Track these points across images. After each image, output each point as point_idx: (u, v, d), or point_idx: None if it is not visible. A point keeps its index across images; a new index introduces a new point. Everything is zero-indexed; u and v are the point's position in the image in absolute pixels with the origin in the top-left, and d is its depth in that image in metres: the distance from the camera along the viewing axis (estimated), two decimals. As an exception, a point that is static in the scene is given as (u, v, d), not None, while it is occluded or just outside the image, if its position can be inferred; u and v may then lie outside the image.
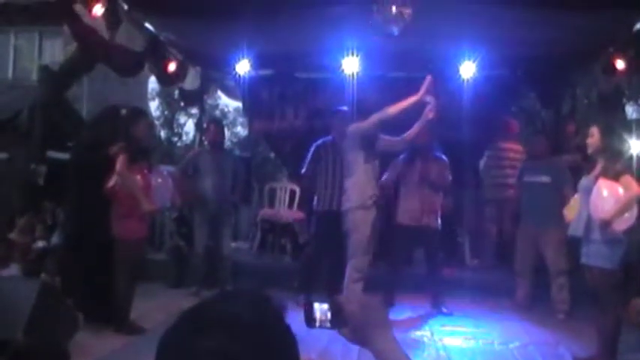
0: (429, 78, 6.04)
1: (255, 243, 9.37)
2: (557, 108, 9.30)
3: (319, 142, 7.18)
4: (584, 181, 5.22)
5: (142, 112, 6.37)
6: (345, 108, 7.14)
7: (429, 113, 6.12)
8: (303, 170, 7.31)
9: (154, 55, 7.83)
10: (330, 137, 7.11)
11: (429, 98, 6.02)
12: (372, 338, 1.35)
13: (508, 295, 7.27)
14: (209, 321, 1.08)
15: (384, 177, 6.89)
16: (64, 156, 9.99)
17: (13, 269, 6.84)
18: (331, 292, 6.75)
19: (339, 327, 1.38)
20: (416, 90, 6.05)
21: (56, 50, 13.32)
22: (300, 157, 7.54)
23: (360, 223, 6.20)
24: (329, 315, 1.38)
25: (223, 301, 1.16)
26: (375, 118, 6.10)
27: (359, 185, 6.25)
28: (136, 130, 5.75)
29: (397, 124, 6.29)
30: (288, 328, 1.15)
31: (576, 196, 5.38)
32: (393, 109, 6.00)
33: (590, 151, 5.30)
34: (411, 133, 6.38)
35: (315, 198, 7.16)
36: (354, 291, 5.96)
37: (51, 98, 8.46)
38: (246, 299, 1.15)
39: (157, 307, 6.55)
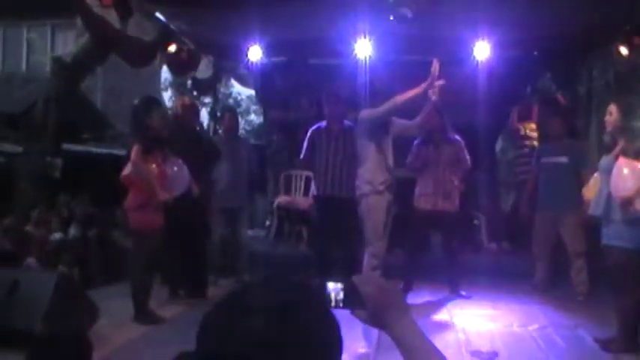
0: (435, 62, 5.96)
1: (272, 231, 9.38)
2: (574, 88, 9.19)
3: (314, 127, 7.20)
4: (603, 161, 5.16)
5: (155, 101, 6.35)
6: (338, 91, 7.14)
7: (432, 95, 6.06)
8: (301, 156, 7.40)
9: (166, 45, 7.81)
10: (324, 122, 7.11)
11: (438, 83, 5.93)
12: (390, 321, 1.34)
13: (526, 278, 7.23)
14: (252, 304, 1.08)
15: (408, 160, 6.91)
16: (80, 148, 10.06)
17: (31, 262, 6.87)
18: (342, 275, 6.77)
19: (352, 307, 1.36)
20: (428, 73, 5.99)
21: (69, 43, 13.33)
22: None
23: (373, 209, 6.23)
24: (342, 294, 1.36)
25: (266, 285, 1.15)
26: (384, 107, 6.12)
27: (370, 171, 6.28)
28: (149, 119, 5.74)
29: (407, 108, 6.26)
30: (330, 313, 1.15)
31: (596, 175, 5.32)
32: (402, 98, 6.01)
33: (609, 129, 5.24)
34: (420, 117, 6.40)
35: (313, 183, 7.24)
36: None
37: (64, 90, 8.47)
38: (289, 284, 1.16)
39: (176, 297, 6.57)
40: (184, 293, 6.63)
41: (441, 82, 5.93)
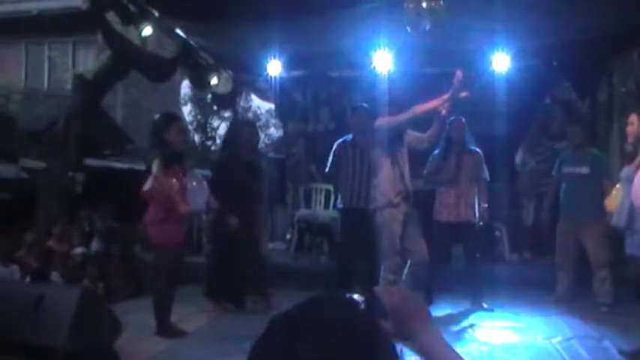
0: (458, 73, 5.83)
1: (293, 244, 9.40)
2: (594, 97, 9.13)
3: (340, 140, 7.22)
4: (625, 171, 5.14)
5: (174, 116, 6.41)
6: (364, 105, 7.11)
7: (442, 110, 5.87)
8: (327, 170, 7.39)
9: (186, 60, 7.89)
10: (350, 135, 7.13)
11: (463, 94, 5.80)
12: (414, 332, 1.32)
13: (549, 289, 7.16)
14: (305, 326, 1.06)
15: (427, 171, 6.88)
16: (101, 163, 10.15)
17: (55, 277, 6.93)
18: (366, 287, 6.76)
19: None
20: (448, 85, 5.97)
21: (90, 59, 13.49)
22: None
23: (387, 223, 5.99)
24: (364, 305, 1.34)
25: (316, 305, 1.13)
26: (403, 116, 5.92)
27: (385, 183, 6.06)
28: (168, 134, 5.79)
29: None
30: (382, 332, 1.13)
31: (618, 186, 5.28)
32: (422, 108, 5.84)
33: (630, 139, 5.21)
34: (432, 132, 6.17)
35: (339, 196, 7.22)
36: None
37: (86, 106, 8.57)
38: (339, 303, 1.14)
39: (197, 311, 6.58)
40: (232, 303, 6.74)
41: (465, 94, 5.78)
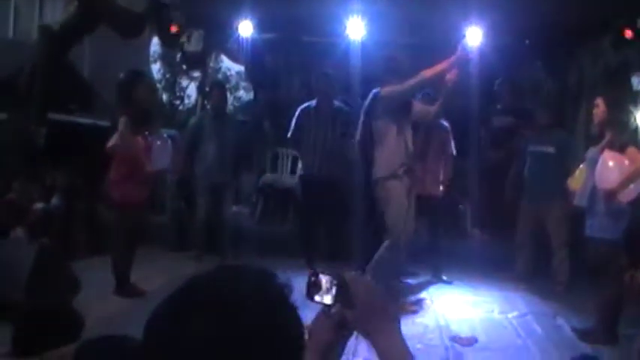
0: (463, 40, 5.69)
1: (258, 209, 9.36)
2: (564, 79, 9.19)
3: (303, 106, 7.17)
4: (590, 152, 5.19)
5: (142, 75, 6.29)
6: (329, 71, 7.05)
7: (449, 82, 5.58)
8: (289, 135, 7.32)
9: (156, 16, 7.72)
10: (314, 101, 7.10)
11: (468, 56, 5.60)
12: (376, 330, 1.29)
13: (508, 266, 7.26)
14: (203, 301, 1.01)
15: None
16: (65, 118, 9.94)
17: (19, 232, 6.80)
18: (327, 256, 6.80)
19: (341, 305, 1.31)
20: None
21: (57, 10, 13.13)
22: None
23: (392, 195, 5.64)
24: (333, 290, 1.31)
25: (220, 277, 1.07)
26: (410, 83, 5.52)
27: (389, 153, 5.68)
28: (135, 92, 5.69)
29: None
30: (293, 311, 1.07)
31: (582, 166, 5.34)
32: (429, 73, 5.49)
33: (595, 122, 5.25)
34: (439, 103, 5.92)
35: (300, 163, 7.20)
36: (385, 267, 5.51)
37: (51, 58, 8.36)
38: (247, 276, 1.07)
39: (158, 271, 6.54)
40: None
41: (470, 56, 5.58)
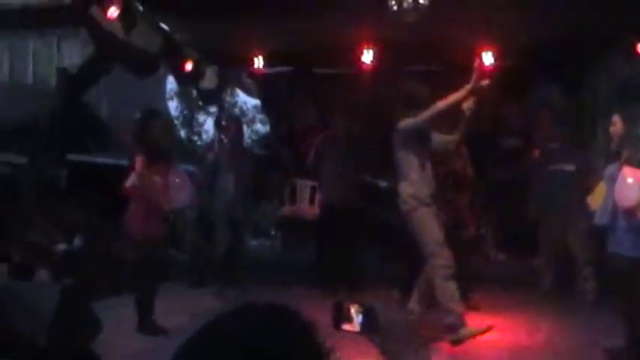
0: (478, 62, 5.63)
1: (278, 241, 9.36)
2: (580, 96, 9.17)
3: (322, 135, 7.23)
4: (609, 169, 5.14)
5: (156, 112, 6.39)
6: (348, 104, 7.12)
7: (467, 111, 5.47)
8: (308, 162, 7.47)
9: (171, 55, 7.83)
10: (331, 130, 7.16)
11: (484, 82, 5.45)
12: (405, 355, 1.28)
13: (534, 285, 7.18)
14: (225, 341, 1.00)
15: None
16: (84, 158, 10.07)
17: (42, 274, 6.86)
18: (351, 289, 6.74)
19: (369, 332, 1.31)
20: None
21: (74, 53, 13.36)
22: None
23: (427, 222, 5.53)
24: (360, 318, 1.31)
25: (242, 316, 1.05)
26: (426, 114, 5.45)
27: (415, 185, 5.59)
28: (151, 130, 5.76)
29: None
30: (317, 350, 1.05)
31: (601, 183, 5.30)
32: (445, 103, 5.43)
33: (613, 139, 5.21)
34: (460, 132, 5.78)
35: (318, 192, 7.23)
36: (449, 291, 5.38)
37: (69, 101, 8.50)
38: (265, 315, 1.05)
39: (179, 308, 6.53)
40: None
41: (486, 82, 5.43)
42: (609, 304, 5.78)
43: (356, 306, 1.32)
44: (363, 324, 1.31)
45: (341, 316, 1.32)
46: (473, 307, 6.28)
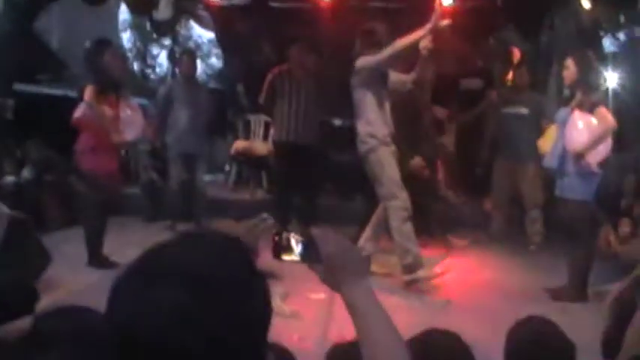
0: (438, 1, 5.47)
1: (231, 176, 9.31)
2: (537, 39, 9.18)
3: (275, 70, 7.14)
4: (560, 113, 5.20)
5: (107, 42, 6.17)
6: (304, 38, 7.02)
7: (423, 50, 5.34)
8: (261, 100, 7.35)
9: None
10: (285, 66, 7.09)
11: (444, 22, 5.25)
12: (345, 284, 1.27)
13: (482, 227, 7.32)
14: (164, 270, 0.99)
15: None
16: (33, 89, 9.78)
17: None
18: (301, 223, 6.80)
19: (309, 262, 1.31)
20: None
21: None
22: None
23: (386, 161, 5.51)
24: (300, 248, 1.31)
25: (183, 246, 1.05)
26: (384, 54, 5.32)
27: (373, 124, 5.54)
28: (102, 60, 5.60)
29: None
30: (258, 279, 1.05)
31: (552, 127, 5.37)
32: (405, 41, 5.25)
33: (566, 83, 5.26)
34: (416, 72, 5.71)
35: (272, 129, 7.20)
36: (406, 232, 5.39)
37: (16, 28, 8.19)
38: (210, 244, 1.05)
39: (131, 242, 6.47)
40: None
41: (446, 22, 5.25)
42: (555, 247, 5.96)
43: (296, 236, 1.32)
44: (303, 254, 1.31)
45: (281, 246, 1.32)
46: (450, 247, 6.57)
